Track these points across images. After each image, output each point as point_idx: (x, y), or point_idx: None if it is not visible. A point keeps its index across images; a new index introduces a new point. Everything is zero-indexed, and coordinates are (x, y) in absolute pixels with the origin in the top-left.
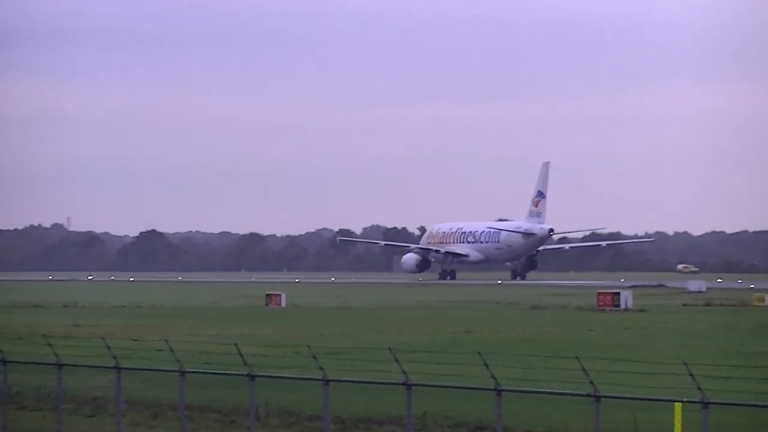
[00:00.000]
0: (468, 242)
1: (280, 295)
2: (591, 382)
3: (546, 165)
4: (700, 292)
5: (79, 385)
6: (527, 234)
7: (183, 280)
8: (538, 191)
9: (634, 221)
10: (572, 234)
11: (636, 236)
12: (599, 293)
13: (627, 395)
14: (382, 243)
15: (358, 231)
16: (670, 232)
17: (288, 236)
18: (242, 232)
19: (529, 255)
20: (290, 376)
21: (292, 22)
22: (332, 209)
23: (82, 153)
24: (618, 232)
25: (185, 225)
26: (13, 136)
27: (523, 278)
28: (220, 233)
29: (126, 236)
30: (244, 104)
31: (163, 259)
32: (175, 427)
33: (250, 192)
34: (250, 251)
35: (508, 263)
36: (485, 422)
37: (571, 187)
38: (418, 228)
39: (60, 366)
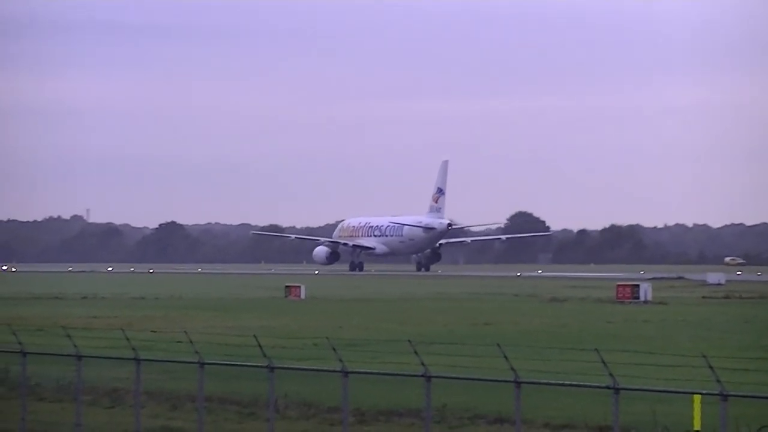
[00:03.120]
0: (375, 236)
1: (299, 286)
2: (610, 375)
3: (445, 163)
4: (719, 284)
5: (98, 376)
6: (428, 228)
7: (202, 271)
8: (438, 188)
9: (654, 214)
10: (481, 227)
11: (655, 228)
12: (619, 285)
13: (646, 387)
14: (293, 237)
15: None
16: (689, 224)
17: (307, 228)
18: (261, 224)
19: (433, 248)
20: (309, 367)
21: (306, 14)
22: (351, 201)
23: (102, 145)
24: (637, 225)
25: (204, 216)
26: (32, 127)
27: (428, 270)
28: (239, 225)
29: (145, 228)
30: (264, 97)
31: (182, 250)
32: (194, 418)
33: (269, 184)
34: (269, 243)
35: (413, 255)
36: (505, 414)
37: (587, 180)
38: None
39: (79, 357)
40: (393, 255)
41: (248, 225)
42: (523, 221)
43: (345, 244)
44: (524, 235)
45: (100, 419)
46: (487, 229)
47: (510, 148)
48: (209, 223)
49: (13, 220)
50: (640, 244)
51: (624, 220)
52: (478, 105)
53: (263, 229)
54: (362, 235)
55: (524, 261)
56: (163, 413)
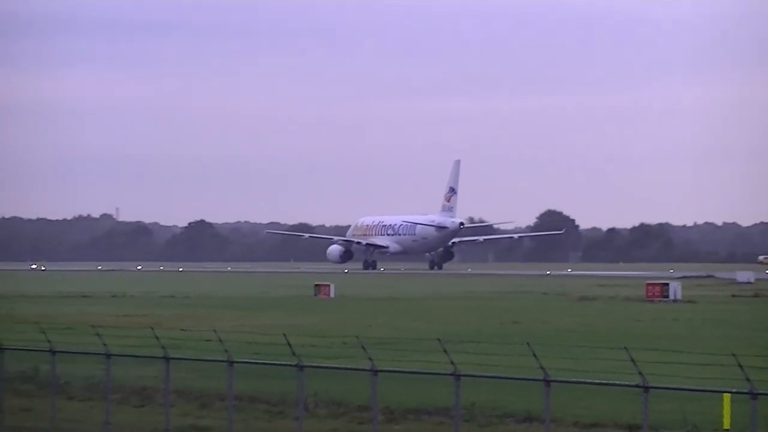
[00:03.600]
0: (388, 235)
1: (328, 285)
2: (639, 373)
3: (457, 163)
4: (749, 282)
5: (127, 375)
6: (440, 227)
7: (231, 270)
8: (450, 187)
9: (683, 212)
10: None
11: (685, 226)
12: (648, 284)
13: (675, 386)
14: (306, 236)
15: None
16: (719, 223)
17: (336, 226)
18: (291, 222)
19: (446, 246)
20: (339, 366)
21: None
22: (380, 200)
23: (131, 144)
24: (667, 223)
25: (234, 215)
26: (62, 126)
27: (440, 268)
28: (268, 223)
29: (175, 226)
30: (293, 96)
31: (211, 249)
32: (224, 417)
33: (299, 182)
34: (297, 242)
35: (426, 254)
36: (534, 413)
37: (617, 178)
38: (466, 219)
39: (108, 356)
40: (406, 254)
41: (277, 224)
42: (553, 220)
43: (359, 243)
44: (541, 234)
45: (129, 418)
46: (516, 228)
47: (538, 147)
48: (238, 222)
49: (43, 219)
50: (670, 243)
51: (653, 218)
52: (505, 103)
53: (292, 227)
54: (376, 234)
55: (554, 259)
56: (192, 412)
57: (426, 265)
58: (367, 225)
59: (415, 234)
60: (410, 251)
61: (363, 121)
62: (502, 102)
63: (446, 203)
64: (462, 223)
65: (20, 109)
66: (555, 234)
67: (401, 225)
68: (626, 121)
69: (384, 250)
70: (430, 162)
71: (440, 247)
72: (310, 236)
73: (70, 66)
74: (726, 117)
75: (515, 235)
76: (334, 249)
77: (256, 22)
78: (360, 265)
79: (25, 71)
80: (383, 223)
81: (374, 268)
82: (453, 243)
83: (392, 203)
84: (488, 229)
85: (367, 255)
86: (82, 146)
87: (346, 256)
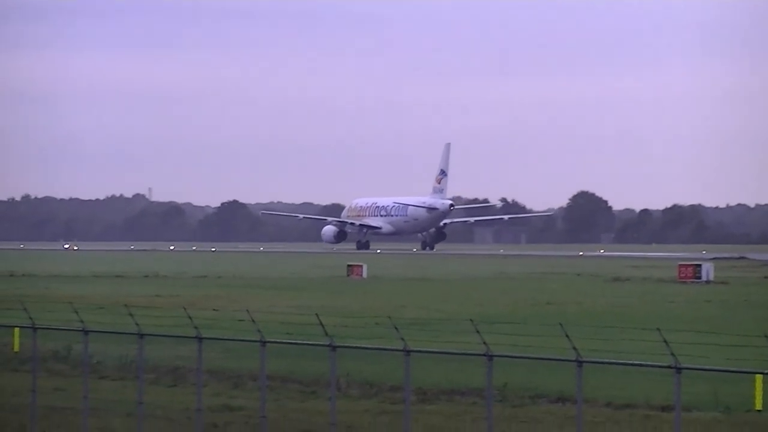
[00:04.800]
0: (381, 216)
1: (361, 266)
2: (672, 354)
3: (448, 146)
4: None
5: (160, 355)
6: (431, 208)
7: (264, 250)
8: (441, 170)
9: (716, 194)
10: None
11: (717, 208)
12: (680, 265)
13: (708, 367)
14: (301, 216)
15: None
16: (751, 204)
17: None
18: (324, 203)
19: (437, 227)
20: (371, 346)
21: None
22: (414, 181)
23: (166, 125)
24: (699, 204)
25: (267, 195)
26: (96, 106)
27: (432, 249)
28: (301, 204)
29: (207, 207)
30: (329, 80)
31: (244, 229)
32: (256, 397)
33: (333, 163)
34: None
35: (419, 234)
36: (566, 394)
37: (650, 160)
38: (499, 200)
39: (141, 335)
40: (398, 234)
41: (310, 204)
42: (586, 201)
43: (352, 224)
44: (525, 216)
45: (161, 397)
46: (548, 208)
47: (573, 129)
48: (271, 202)
49: (75, 199)
50: (702, 224)
51: (686, 200)
52: (536, 86)
53: (325, 208)
54: (369, 215)
55: (586, 240)
56: (224, 392)
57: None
58: (361, 206)
59: (407, 215)
60: (402, 232)
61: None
62: (533, 85)
63: (437, 185)
64: (452, 205)
65: (54, 89)
66: (534, 216)
67: (393, 206)
68: (660, 103)
69: (377, 230)
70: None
71: (431, 228)
72: (305, 216)
73: (104, 48)
74: (760, 99)
75: (505, 216)
76: (329, 229)
77: (282, 3)
78: (353, 246)
79: (58, 53)
80: (376, 205)
81: (367, 248)
82: (444, 224)
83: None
84: (521, 209)
85: (360, 236)
86: (115, 127)
87: (340, 236)
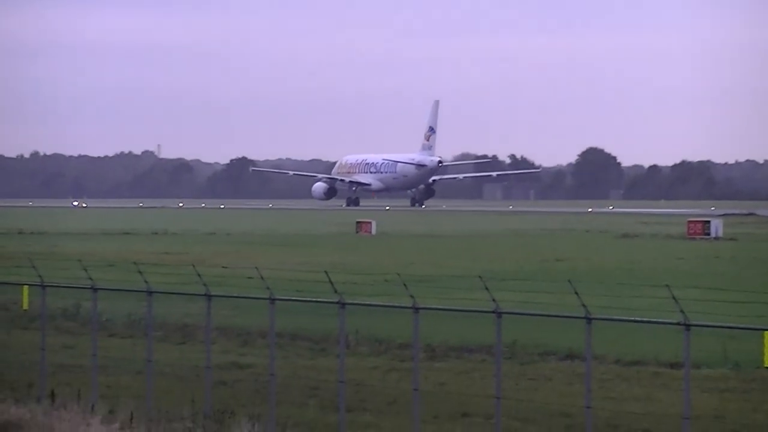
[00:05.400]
0: (371, 173)
1: (370, 222)
2: (681, 311)
3: (436, 103)
4: None
5: (168, 312)
6: (420, 165)
7: (273, 207)
8: (430, 127)
9: (725, 149)
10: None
11: (726, 164)
12: (689, 222)
13: (717, 324)
14: (291, 173)
15: (448, 158)
16: (760, 160)
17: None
18: (333, 159)
19: (426, 184)
20: (380, 303)
21: None
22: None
23: (173, 82)
24: (708, 160)
25: (276, 152)
26: (103, 62)
27: (421, 205)
28: (310, 160)
29: (216, 163)
30: (340, 35)
31: (253, 186)
32: (265, 354)
33: (342, 119)
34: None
35: (408, 191)
36: (575, 351)
37: (658, 116)
38: (508, 156)
39: (150, 293)
40: (388, 191)
41: (319, 161)
42: (595, 157)
43: (342, 181)
44: (515, 172)
45: (171, 355)
46: (557, 165)
47: (580, 84)
48: (280, 159)
49: (84, 156)
50: (711, 180)
51: (695, 156)
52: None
53: (333, 164)
54: (359, 172)
55: (595, 197)
56: (233, 349)
57: (407, 202)
58: (351, 163)
59: (396, 172)
60: (392, 188)
61: (416, 61)
62: (541, 42)
63: (426, 142)
64: (440, 161)
65: (61, 46)
66: (529, 173)
67: (383, 163)
68: (669, 60)
69: (366, 187)
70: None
71: (420, 185)
72: (294, 173)
73: (117, 5)
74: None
75: (493, 173)
76: (319, 186)
77: None
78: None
79: (64, 10)
80: (366, 161)
81: (357, 204)
82: (433, 180)
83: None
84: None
85: (350, 192)
86: (123, 83)
87: (330, 193)
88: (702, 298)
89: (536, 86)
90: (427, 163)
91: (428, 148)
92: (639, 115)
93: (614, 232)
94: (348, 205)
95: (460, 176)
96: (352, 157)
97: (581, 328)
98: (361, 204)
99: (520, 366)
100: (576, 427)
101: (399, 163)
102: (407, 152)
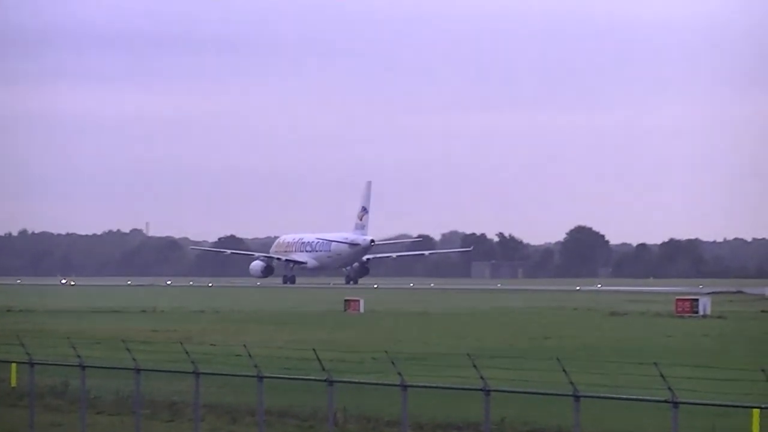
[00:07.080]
0: (306, 251)
1: (358, 300)
2: (669, 389)
3: (368, 184)
4: None
5: (157, 389)
6: (353, 244)
7: (261, 285)
8: (362, 207)
9: (713, 228)
10: (393, 242)
11: (714, 242)
12: (678, 299)
13: (705, 401)
14: (229, 252)
15: (437, 237)
16: (748, 239)
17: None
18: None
19: (361, 262)
20: (368, 381)
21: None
22: (411, 215)
23: (162, 158)
24: (697, 239)
25: (264, 230)
26: (91, 140)
27: (356, 282)
28: (298, 239)
29: (204, 242)
30: (339, 111)
31: (242, 264)
32: (254, 431)
33: (330, 197)
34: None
35: (343, 269)
36: (564, 428)
37: (646, 195)
38: (496, 234)
39: (138, 371)
40: (322, 269)
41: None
42: (583, 236)
43: (279, 259)
44: (457, 251)
45: None
46: (546, 243)
47: (571, 164)
48: (268, 237)
49: (73, 234)
50: (700, 259)
51: (683, 234)
52: (533, 120)
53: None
54: (295, 251)
55: (583, 275)
56: (222, 426)
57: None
58: (288, 242)
59: (330, 251)
60: (326, 266)
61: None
62: (530, 119)
63: (359, 222)
64: (372, 241)
65: (49, 123)
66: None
67: (318, 242)
68: (657, 138)
69: (302, 265)
70: (473, 178)
71: (354, 263)
72: (233, 252)
73: (101, 80)
74: (756, 132)
75: (426, 252)
76: (257, 264)
77: (263, 36)
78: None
79: (51, 85)
80: (302, 240)
81: (293, 282)
82: (367, 259)
83: (430, 218)
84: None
85: (287, 270)
86: (112, 161)
87: (267, 271)
88: (690, 376)
89: (524, 164)
90: (360, 242)
91: (361, 227)
92: (627, 193)
93: (603, 310)
94: (284, 282)
95: (394, 255)
96: (290, 237)
97: (570, 405)
98: (297, 282)
99: None
100: None
101: (333, 242)
102: (294, 233)
